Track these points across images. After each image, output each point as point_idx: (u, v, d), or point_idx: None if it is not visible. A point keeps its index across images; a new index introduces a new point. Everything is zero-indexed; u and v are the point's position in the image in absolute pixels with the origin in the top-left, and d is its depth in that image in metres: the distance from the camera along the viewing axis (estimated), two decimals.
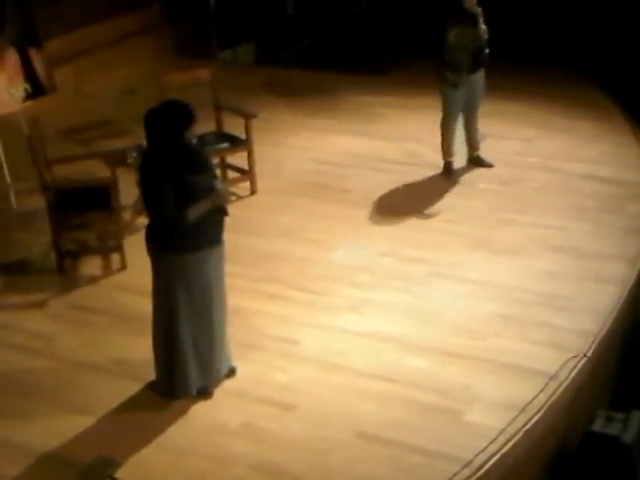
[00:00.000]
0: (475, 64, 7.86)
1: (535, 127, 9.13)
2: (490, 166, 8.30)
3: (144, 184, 5.11)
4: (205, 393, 5.45)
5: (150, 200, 5.09)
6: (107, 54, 10.41)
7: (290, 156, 8.80)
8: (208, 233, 5.19)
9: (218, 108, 8.07)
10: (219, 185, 5.27)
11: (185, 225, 5.04)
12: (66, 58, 9.74)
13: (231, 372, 5.61)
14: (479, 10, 7.76)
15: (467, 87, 7.96)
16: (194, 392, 5.42)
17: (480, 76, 8.02)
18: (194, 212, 5.03)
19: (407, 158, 8.61)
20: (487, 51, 7.86)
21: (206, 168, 5.26)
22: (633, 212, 7.49)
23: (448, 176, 8.19)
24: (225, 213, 5.28)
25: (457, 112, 8.11)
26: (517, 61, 10.19)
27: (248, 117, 7.91)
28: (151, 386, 5.51)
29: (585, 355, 5.71)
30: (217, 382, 5.53)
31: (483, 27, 7.76)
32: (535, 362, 5.66)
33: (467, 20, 7.71)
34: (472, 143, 8.35)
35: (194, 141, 5.17)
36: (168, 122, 5.02)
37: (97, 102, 9.90)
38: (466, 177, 8.22)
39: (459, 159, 8.29)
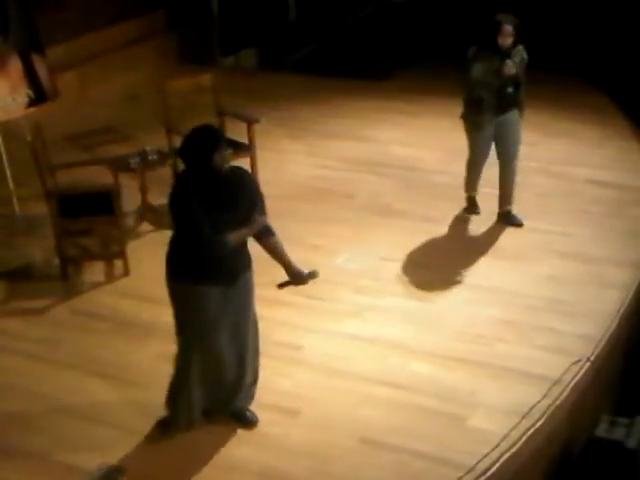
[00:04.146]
0: (502, 104, 6.94)
1: (538, 132, 9.10)
2: (520, 225, 7.31)
3: (175, 212, 4.80)
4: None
5: (184, 227, 4.81)
6: (110, 60, 10.41)
7: (293, 161, 8.80)
8: (221, 269, 4.90)
9: (221, 114, 8.06)
10: (257, 221, 4.95)
11: (224, 251, 4.79)
12: (69, 64, 9.74)
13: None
14: (519, 48, 6.91)
15: (497, 129, 7.05)
16: (195, 423, 5.22)
17: (514, 117, 7.05)
18: (234, 237, 4.80)
19: (409, 163, 8.61)
20: (523, 89, 7.03)
21: (234, 203, 4.83)
22: (636, 216, 7.49)
23: (472, 211, 7.55)
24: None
25: (483, 157, 7.23)
26: None
27: (251, 122, 7.90)
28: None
29: (588, 360, 5.71)
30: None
31: (518, 62, 6.85)
32: (538, 367, 5.66)
33: (496, 55, 6.78)
34: (503, 194, 7.31)
35: (224, 167, 4.78)
36: (194, 147, 4.77)
37: (100, 108, 9.89)
38: None
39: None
